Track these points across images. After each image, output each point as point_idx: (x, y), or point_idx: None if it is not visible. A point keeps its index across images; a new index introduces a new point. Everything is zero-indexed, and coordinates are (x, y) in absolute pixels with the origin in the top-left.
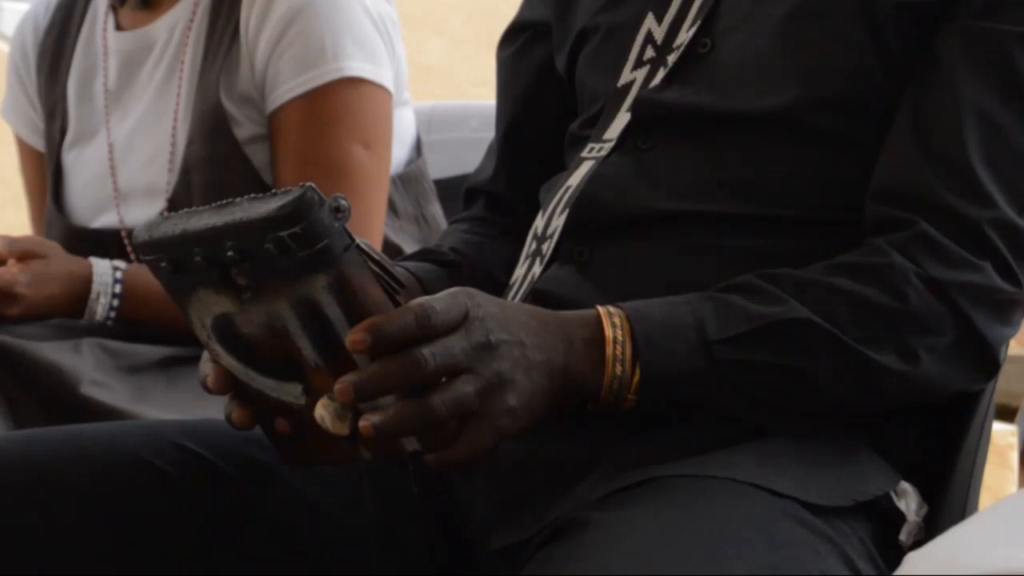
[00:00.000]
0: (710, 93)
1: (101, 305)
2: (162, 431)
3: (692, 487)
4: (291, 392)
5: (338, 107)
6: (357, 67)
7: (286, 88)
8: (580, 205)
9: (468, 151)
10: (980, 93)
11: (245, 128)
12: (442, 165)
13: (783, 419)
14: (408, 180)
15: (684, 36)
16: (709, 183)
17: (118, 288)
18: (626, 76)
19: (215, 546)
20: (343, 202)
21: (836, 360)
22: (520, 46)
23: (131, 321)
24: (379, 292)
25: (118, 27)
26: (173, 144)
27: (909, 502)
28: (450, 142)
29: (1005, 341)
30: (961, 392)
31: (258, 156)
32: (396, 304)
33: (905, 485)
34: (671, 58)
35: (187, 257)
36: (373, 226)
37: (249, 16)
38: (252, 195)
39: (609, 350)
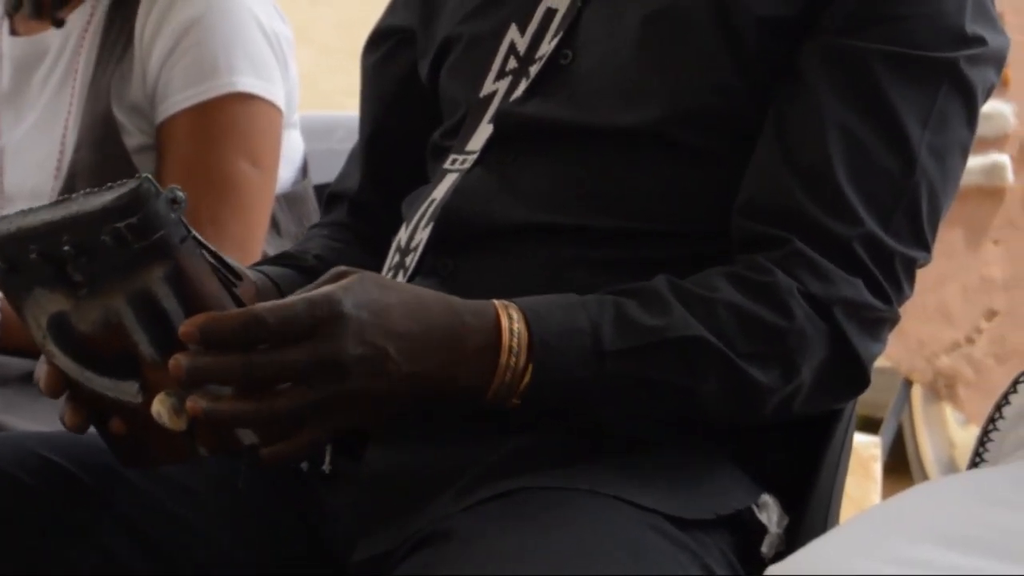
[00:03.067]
0: (572, 106)
1: None
2: (25, 443)
3: (556, 499)
4: (127, 391)
5: (227, 122)
6: (248, 83)
7: (176, 100)
8: (444, 218)
9: (335, 162)
10: (843, 110)
11: (135, 137)
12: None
13: (658, 430)
14: (293, 200)
15: (546, 47)
16: (571, 196)
17: None
18: (488, 87)
19: (77, 556)
20: (179, 193)
21: (723, 378)
22: (384, 53)
23: (8, 349)
24: (215, 284)
25: (13, 32)
26: (62, 150)
27: (770, 514)
28: (316, 153)
29: (875, 358)
30: (832, 408)
31: (146, 166)
32: (233, 296)
33: (766, 498)
34: (533, 69)
35: (23, 255)
36: (254, 242)
37: (144, 26)
38: (88, 190)
39: (503, 359)
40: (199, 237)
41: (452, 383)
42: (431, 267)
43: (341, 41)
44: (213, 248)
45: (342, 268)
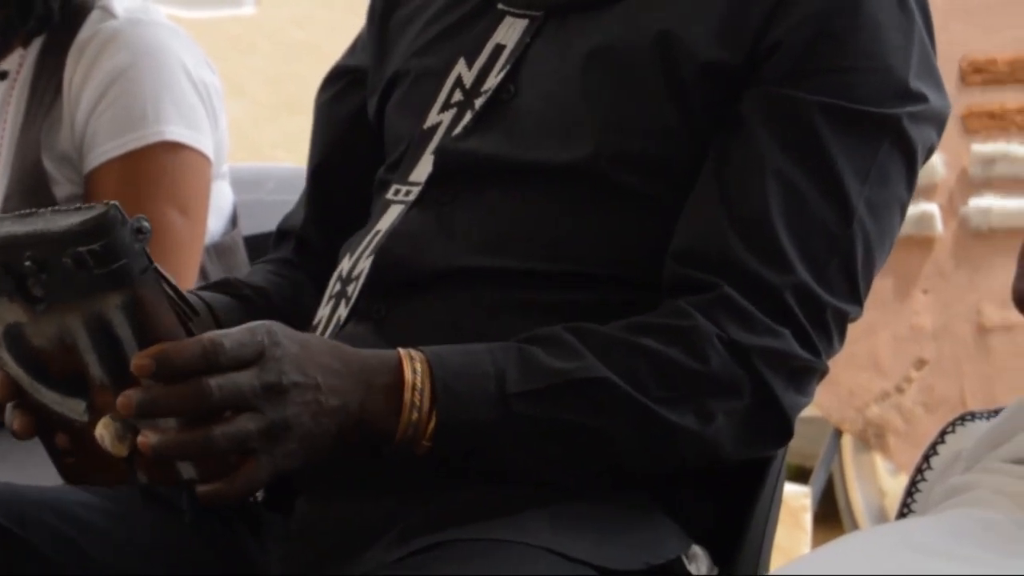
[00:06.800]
0: (510, 142)
1: None
2: None
3: (485, 551)
4: (74, 408)
5: (155, 170)
6: (176, 132)
7: (104, 149)
8: (378, 262)
9: (264, 212)
10: (782, 160)
11: (63, 187)
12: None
13: (575, 476)
14: (222, 250)
15: (492, 81)
16: (506, 237)
17: None
18: (432, 118)
19: None
20: (145, 224)
21: (633, 420)
22: (336, 91)
23: None
24: (171, 317)
25: None
26: None
27: (699, 565)
28: (246, 204)
29: (800, 409)
30: (753, 456)
31: None
32: (188, 330)
33: (696, 548)
34: (478, 102)
35: None
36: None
37: (73, 75)
38: (56, 207)
39: (407, 396)
40: (160, 269)
41: (365, 422)
42: (365, 310)
43: (272, 93)
44: (173, 281)
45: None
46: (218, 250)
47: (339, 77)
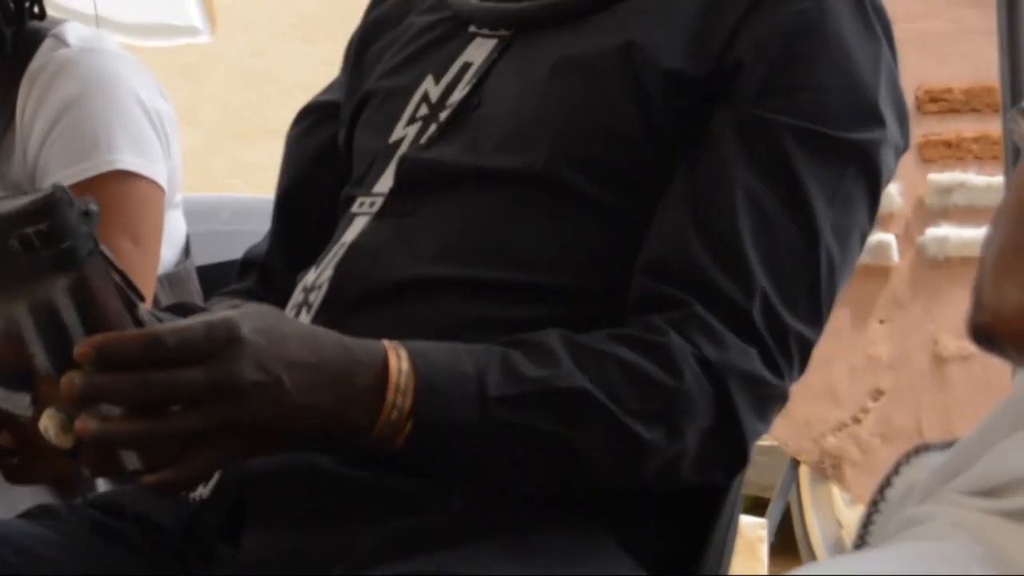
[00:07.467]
0: (471, 151)
1: None
2: None
3: None
4: (19, 403)
5: (107, 200)
6: (129, 161)
7: (56, 178)
8: (339, 275)
9: (218, 243)
10: (752, 180)
11: None
12: (193, 257)
13: (543, 486)
14: (175, 281)
15: (457, 95)
16: (465, 246)
17: None
18: (398, 132)
19: None
20: (93, 207)
21: (606, 432)
22: (309, 124)
23: None
24: (117, 302)
25: None
26: None
27: None
28: (199, 234)
29: (757, 437)
30: (710, 484)
31: None
32: (136, 316)
33: None
34: (443, 115)
35: None
36: None
37: (25, 104)
38: (3, 195)
39: (390, 396)
40: (107, 254)
41: (340, 419)
42: (325, 322)
43: (225, 122)
44: (119, 267)
45: (238, 300)
46: (171, 280)
47: (312, 111)
